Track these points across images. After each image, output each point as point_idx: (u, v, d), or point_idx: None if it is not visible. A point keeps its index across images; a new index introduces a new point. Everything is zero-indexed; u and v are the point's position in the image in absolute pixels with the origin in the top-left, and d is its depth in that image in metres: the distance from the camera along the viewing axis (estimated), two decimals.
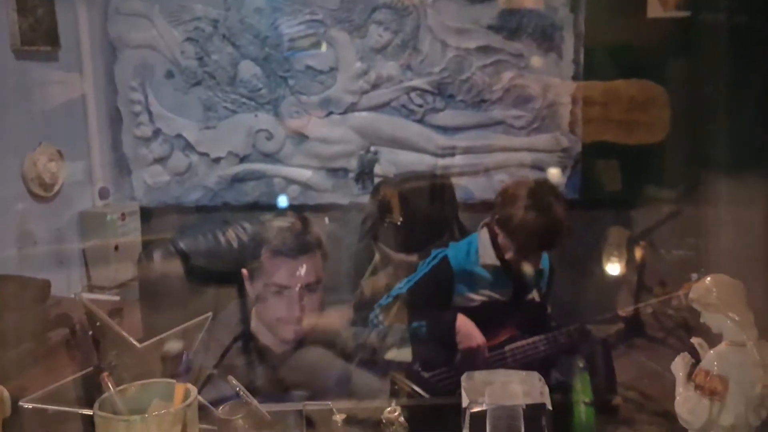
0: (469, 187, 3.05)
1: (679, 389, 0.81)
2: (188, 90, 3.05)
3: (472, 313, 1.92)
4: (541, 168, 3.09)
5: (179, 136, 3.07)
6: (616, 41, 2.98)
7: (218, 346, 1.57)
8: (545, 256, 2.11)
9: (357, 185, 3.08)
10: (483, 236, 2.00)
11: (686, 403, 0.80)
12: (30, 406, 0.92)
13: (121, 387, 0.87)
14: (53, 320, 2.29)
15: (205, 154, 3.09)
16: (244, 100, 3.05)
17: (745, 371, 0.79)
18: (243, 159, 3.09)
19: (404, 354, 1.96)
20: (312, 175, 3.09)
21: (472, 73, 3.03)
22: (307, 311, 1.50)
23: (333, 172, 3.10)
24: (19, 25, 2.64)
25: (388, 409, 0.98)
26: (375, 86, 3.04)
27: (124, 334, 0.94)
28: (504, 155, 3.10)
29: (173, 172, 3.11)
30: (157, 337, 0.92)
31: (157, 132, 3.08)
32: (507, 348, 1.90)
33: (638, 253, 2.86)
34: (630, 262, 2.85)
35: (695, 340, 0.83)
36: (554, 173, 3.09)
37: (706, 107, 2.72)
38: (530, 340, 1.90)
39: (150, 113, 3.07)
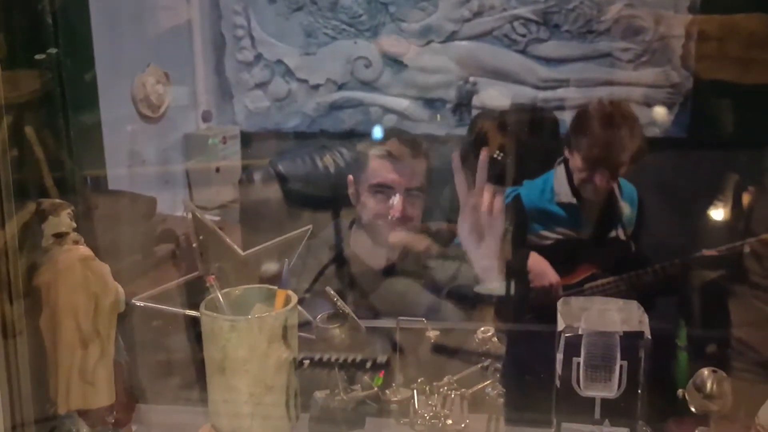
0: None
1: None
2: (290, 15, 3.06)
3: (548, 251, 1.90)
4: (648, 104, 2.96)
5: (280, 61, 3.11)
6: None
7: (314, 268, 1.63)
8: (632, 192, 2.06)
9: (454, 116, 3.05)
10: (559, 173, 1.96)
11: None
12: (141, 304, 0.97)
13: (225, 290, 0.91)
14: (159, 236, 2.40)
15: (304, 81, 3.11)
16: (344, 26, 3.04)
17: None
18: (341, 86, 3.10)
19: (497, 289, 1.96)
20: (409, 104, 3.07)
21: (579, 2, 2.91)
22: (409, 215, 1.55)
23: (430, 102, 3.07)
24: None
25: (482, 329, 0.99)
26: (477, 14, 2.97)
27: (229, 241, 0.97)
28: (609, 89, 2.98)
29: (273, 98, 3.16)
30: (260, 246, 0.95)
31: (258, 57, 3.12)
32: (586, 286, 1.88)
33: (746, 199, 2.73)
34: (737, 207, 2.73)
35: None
36: (660, 111, 2.97)
37: None
38: (611, 278, 1.87)
39: (252, 38, 3.11)
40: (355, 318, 0.95)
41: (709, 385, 0.82)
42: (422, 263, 1.66)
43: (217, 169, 3.06)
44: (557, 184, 1.96)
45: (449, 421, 0.97)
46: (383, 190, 1.56)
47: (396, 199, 1.56)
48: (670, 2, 2.86)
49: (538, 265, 1.91)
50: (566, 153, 1.97)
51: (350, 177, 1.67)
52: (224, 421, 0.86)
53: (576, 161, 1.93)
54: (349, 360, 1.06)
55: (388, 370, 1.04)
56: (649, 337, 0.91)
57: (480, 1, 2.95)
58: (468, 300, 1.72)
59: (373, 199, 1.58)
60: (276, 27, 3.08)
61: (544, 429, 0.98)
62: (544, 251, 1.96)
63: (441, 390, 0.98)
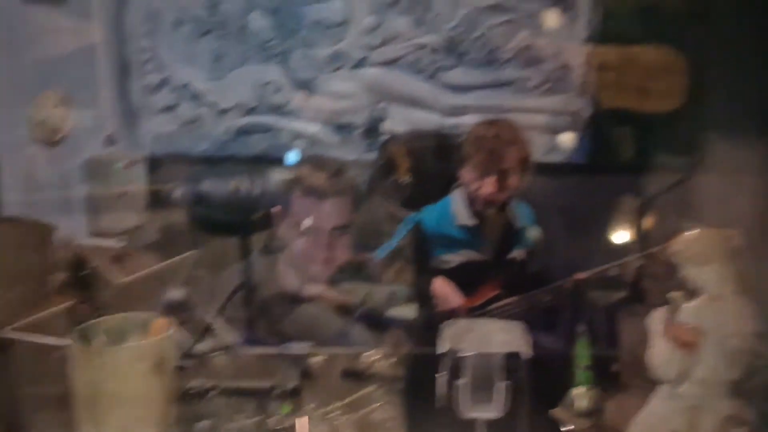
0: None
1: (655, 341, 0.81)
2: (198, 39, 3.03)
3: (452, 275, 1.92)
4: (550, 130, 3.05)
5: (187, 85, 3.06)
6: (633, 3, 2.92)
7: (223, 294, 1.60)
8: (529, 213, 2.12)
9: (364, 142, 3.06)
10: (457, 196, 2.00)
11: (659, 354, 0.80)
12: (15, 336, 0.93)
13: (99, 319, 0.88)
14: (55, 264, 2.31)
15: (213, 105, 3.07)
16: (253, 51, 3.03)
17: (722, 325, 0.78)
18: (250, 111, 3.08)
19: (407, 311, 1.97)
20: (319, 129, 3.07)
21: (484, 32, 2.98)
22: (335, 254, 1.54)
23: (340, 127, 3.08)
24: None
25: (368, 353, 0.99)
26: (386, 41, 3.00)
27: (103, 270, 0.94)
28: (514, 116, 3.05)
29: (180, 122, 3.11)
30: (137, 274, 0.92)
31: (165, 81, 3.07)
32: (490, 308, 1.91)
33: (644, 221, 2.84)
34: (633, 228, 2.83)
35: (673, 294, 0.82)
36: (562, 137, 3.06)
37: (721, 76, 2.67)
38: (513, 299, 1.90)
39: (158, 62, 3.06)
40: (236, 345, 0.93)
41: (582, 402, 0.83)
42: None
43: (121, 195, 2.98)
44: (456, 207, 1.99)
45: None
46: (305, 229, 1.55)
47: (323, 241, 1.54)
48: (569, 33, 2.96)
49: (441, 288, 1.93)
50: (460, 174, 2.02)
51: (277, 208, 1.65)
52: None
53: (466, 176, 1.98)
54: (252, 388, 1.04)
55: (296, 397, 1.03)
56: (530, 356, 0.93)
57: (388, 29, 2.98)
58: (379, 324, 1.72)
59: (294, 237, 1.56)
60: (183, 51, 3.04)
61: None
62: (448, 275, 1.98)
63: (329, 415, 0.97)
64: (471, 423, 0.94)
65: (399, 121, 3.05)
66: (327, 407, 0.98)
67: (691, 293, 0.80)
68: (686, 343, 0.78)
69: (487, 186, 1.93)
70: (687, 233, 0.82)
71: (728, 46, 2.62)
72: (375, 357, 0.97)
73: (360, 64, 3.02)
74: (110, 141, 3.05)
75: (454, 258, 2.00)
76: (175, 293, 1.16)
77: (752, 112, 2.35)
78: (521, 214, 2.14)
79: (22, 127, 2.64)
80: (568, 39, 2.98)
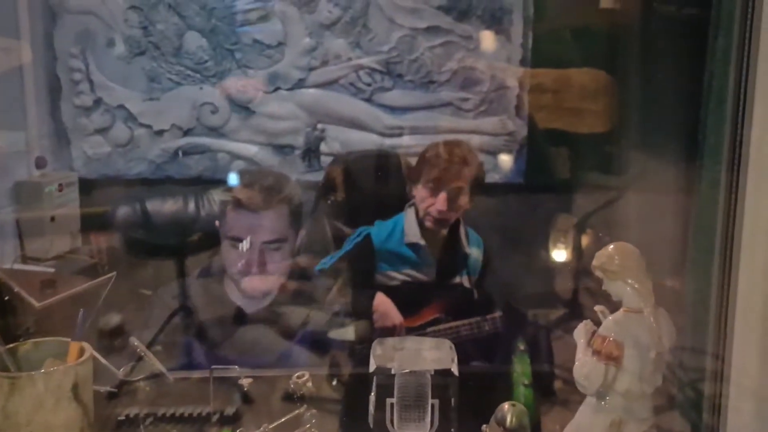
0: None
1: (579, 355, 0.82)
2: (131, 60, 2.99)
3: (394, 292, 1.93)
4: (487, 151, 3.10)
5: (121, 106, 3.01)
6: (565, 27, 3.00)
7: (160, 319, 1.56)
8: (478, 241, 2.14)
9: (303, 162, 3.06)
10: (409, 215, 2.02)
11: (583, 367, 0.81)
12: None
13: (11, 345, 0.84)
14: None
15: (148, 126, 3.03)
16: (189, 72, 3.00)
17: (641, 337, 0.80)
18: (187, 132, 3.04)
19: (348, 333, 1.96)
20: (258, 150, 3.06)
21: (420, 54, 3.02)
22: (270, 269, 1.51)
23: (279, 148, 3.07)
24: None
25: (297, 374, 0.97)
26: (323, 63, 3.02)
27: (23, 293, 0.91)
28: (451, 136, 3.09)
29: (115, 144, 3.05)
30: (54, 298, 0.89)
31: (98, 102, 3.01)
32: (428, 330, 1.91)
33: (580, 239, 2.90)
34: (573, 248, 2.88)
35: (598, 308, 0.83)
36: (499, 158, 3.11)
37: (652, 98, 2.75)
38: (453, 324, 1.91)
39: (91, 82, 3.00)
40: (162, 368, 0.91)
41: (509, 418, 0.84)
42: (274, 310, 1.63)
43: (53, 218, 2.89)
44: (407, 225, 2.01)
45: None
46: (239, 243, 1.52)
47: (254, 255, 1.52)
48: (503, 55, 3.02)
49: (383, 305, 1.93)
50: (410, 192, 2.04)
51: (217, 223, 1.63)
52: None
53: (418, 194, 2.00)
54: (194, 413, 1.02)
55: (236, 422, 1.00)
56: (457, 374, 0.93)
57: (326, 51, 3.00)
58: (320, 345, 1.70)
59: (232, 253, 1.54)
60: (117, 71, 2.99)
61: None
62: (389, 292, 1.98)
63: None
64: None
65: (337, 142, 3.06)
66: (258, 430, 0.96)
67: (614, 307, 0.82)
68: (608, 356, 0.79)
69: (440, 203, 1.96)
70: (604, 248, 0.83)
71: (656, 67, 2.71)
72: (304, 378, 0.96)
73: (298, 85, 3.02)
74: (40, 163, 2.96)
75: (398, 275, 2.00)
76: (112, 319, 1.13)
77: (678, 134, 2.43)
78: (471, 240, 2.16)
79: None
80: (503, 61, 3.04)
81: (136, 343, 0.93)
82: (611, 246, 0.84)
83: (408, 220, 2.05)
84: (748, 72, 0.75)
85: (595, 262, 0.83)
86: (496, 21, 3.01)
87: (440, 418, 0.94)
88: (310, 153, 3.08)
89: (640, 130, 2.79)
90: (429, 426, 0.94)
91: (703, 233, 0.87)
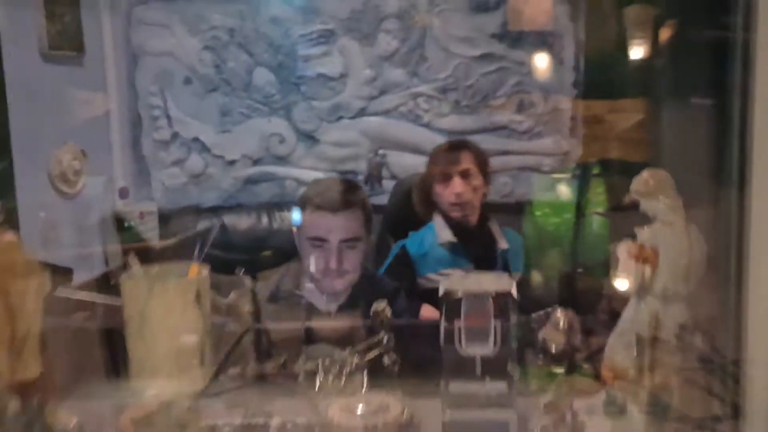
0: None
1: (621, 264, 0.98)
2: (205, 96, 3.27)
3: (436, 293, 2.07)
4: (541, 170, 3.26)
5: (196, 139, 3.29)
6: (615, 51, 3.15)
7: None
8: (517, 240, 2.30)
9: (366, 186, 3.26)
10: (437, 219, 2.20)
11: (624, 271, 0.96)
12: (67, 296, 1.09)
13: (145, 267, 1.05)
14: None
15: (220, 157, 3.29)
16: (258, 105, 3.26)
17: (673, 245, 0.95)
18: (256, 162, 3.29)
19: None
20: (322, 177, 3.26)
21: (475, 80, 3.23)
22: (346, 266, 1.68)
23: (343, 174, 3.28)
24: (47, 31, 2.86)
25: (378, 304, 1.14)
26: (383, 92, 3.25)
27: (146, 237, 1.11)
28: (507, 158, 3.27)
29: (190, 175, 3.31)
30: (172, 239, 1.09)
31: (175, 135, 3.29)
32: None
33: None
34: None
35: (637, 228, 0.99)
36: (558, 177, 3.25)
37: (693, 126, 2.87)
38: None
39: (169, 118, 3.29)
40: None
41: (562, 322, 0.99)
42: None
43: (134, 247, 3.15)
44: (438, 227, 2.19)
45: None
46: (319, 243, 1.69)
47: (332, 253, 1.67)
48: (556, 78, 3.20)
49: (428, 314, 2.04)
50: (433, 193, 2.23)
51: (294, 229, 1.80)
52: (145, 379, 0.98)
53: (437, 190, 2.19)
54: None
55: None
56: (516, 296, 1.09)
57: (385, 80, 3.23)
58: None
59: (310, 251, 1.70)
60: (192, 107, 3.28)
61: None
62: (433, 294, 2.12)
63: (342, 361, 1.12)
64: (471, 360, 1.09)
65: (399, 166, 3.26)
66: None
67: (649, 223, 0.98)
68: (645, 260, 0.94)
69: (455, 186, 2.16)
70: (640, 175, 0.99)
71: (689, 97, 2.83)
72: (383, 306, 1.13)
73: (360, 113, 3.25)
74: (123, 193, 3.25)
75: (438, 277, 2.16)
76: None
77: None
78: (508, 237, 2.33)
79: (41, 178, 2.82)
80: (555, 83, 3.22)
81: (238, 271, 1.12)
82: (645, 172, 1.00)
83: (437, 222, 2.25)
84: None
85: (632, 187, 0.99)
86: (547, 46, 3.20)
87: (502, 338, 1.10)
88: (373, 178, 3.28)
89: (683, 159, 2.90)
90: (492, 345, 1.10)
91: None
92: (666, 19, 3.02)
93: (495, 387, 1.10)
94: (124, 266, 1.06)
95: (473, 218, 2.30)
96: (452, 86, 3.24)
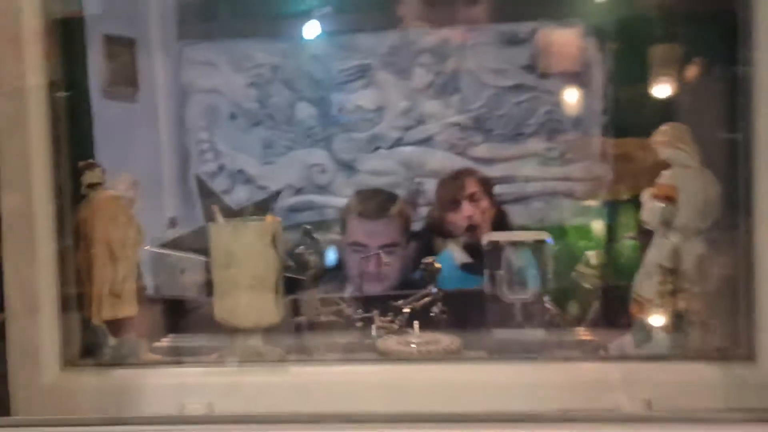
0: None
1: (646, 203, 1.13)
2: (250, 129, 3.49)
3: None
4: (577, 196, 3.40)
5: (241, 171, 3.49)
6: (642, 81, 3.33)
7: None
8: (529, 258, 2.45)
9: None
10: (452, 243, 2.36)
11: (648, 208, 1.11)
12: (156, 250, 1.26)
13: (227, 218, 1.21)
14: None
15: (264, 188, 3.48)
16: (299, 137, 3.47)
17: (691, 185, 1.10)
18: (299, 191, 3.48)
19: None
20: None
21: (507, 109, 3.41)
22: (385, 271, 1.84)
23: None
24: (106, 69, 3.11)
25: (427, 258, 1.29)
26: (419, 122, 3.43)
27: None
28: (540, 184, 3.42)
29: (235, 204, 3.49)
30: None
31: (221, 167, 3.50)
32: None
33: None
34: None
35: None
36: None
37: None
38: None
39: (215, 151, 3.50)
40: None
41: (593, 259, 1.14)
42: None
43: (182, 271, 3.33)
44: (453, 252, 2.36)
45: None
46: (359, 248, 1.85)
47: (371, 257, 1.83)
48: (586, 105, 3.37)
49: None
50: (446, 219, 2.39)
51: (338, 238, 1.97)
52: (227, 306, 1.14)
53: (449, 218, 2.35)
54: None
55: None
56: (551, 242, 1.24)
57: (420, 111, 3.42)
58: None
59: (351, 256, 1.87)
60: (237, 140, 3.49)
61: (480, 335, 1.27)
62: None
63: (395, 309, 1.27)
64: (511, 306, 1.23)
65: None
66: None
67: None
68: (667, 197, 1.09)
69: (465, 210, 2.31)
70: (660, 127, 1.15)
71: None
72: (431, 260, 1.28)
73: (396, 143, 3.44)
74: (173, 223, 3.45)
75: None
76: None
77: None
78: (523, 256, 2.47)
79: None
80: (585, 111, 3.39)
81: (307, 227, 1.28)
82: (665, 125, 1.16)
83: (453, 247, 2.41)
84: None
85: (653, 138, 1.15)
86: (576, 76, 3.38)
87: (540, 284, 1.24)
88: (410, 204, 3.45)
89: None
90: (531, 291, 1.24)
91: None
92: (692, 57, 3.20)
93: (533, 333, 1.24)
94: (210, 218, 1.23)
95: (521, 250, 2.44)
96: (485, 116, 3.41)
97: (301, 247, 1.26)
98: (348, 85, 3.46)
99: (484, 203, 2.45)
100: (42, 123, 1.20)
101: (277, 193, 1.20)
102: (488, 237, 1.24)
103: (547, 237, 1.22)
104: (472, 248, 2.38)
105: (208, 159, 3.51)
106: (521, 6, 3.38)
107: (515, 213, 3.36)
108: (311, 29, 3.48)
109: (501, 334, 1.24)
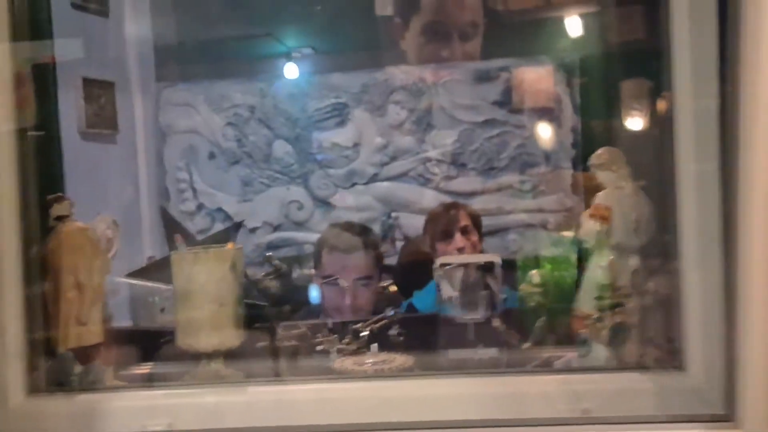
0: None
1: (583, 226, 1.21)
2: (228, 168, 3.57)
3: None
4: (550, 227, 3.48)
5: (220, 209, 3.56)
6: (609, 113, 3.44)
7: None
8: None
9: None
10: (438, 273, 2.42)
11: (585, 227, 1.19)
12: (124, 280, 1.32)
13: (188, 248, 1.28)
14: None
15: (243, 225, 3.55)
16: (277, 175, 3.55)
17: (624, 205, 1.18)
18: (276, 228, 3.54)
19: None
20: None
21: (480, 144, 3.50)
22: (359, 303, 1.89)
23: None
24: (85, 111, 3.19)
25: (385, 283, 1.36)
26: (394, 158, 3.52)
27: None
28: (513, 216, 3.51)
29: (214, 241, 3.55)
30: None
31: (200, 206, 3.57)
32: None
33: None
34: None
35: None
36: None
37: None
38: None
39: (194, 190, 3.57)
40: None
41: (536, 277, 1.21)
42: None
43: (162, 309, 3.37)
44: (440, 284, 2.41)
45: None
46: (334, 281, 1.91)
47: (345, 290, 1.89)
48: (556, 139, 3.47)
49: None
50: (436, 250, 2.47)
51: (312, 270, 2.03)
52: (189, 336, 1.20)
53: (439, 249, 2.42)
54: None
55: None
56: (500, 263, 1.31)
57: (395, 147, 3.51)
58: None
59: (326, 289, 1.92)
60: (215, 179, 3.57)
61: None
62: None
63: (354, 332, 1.33)
64: (464, 326, 1.30)
65: (411, 228, 3.50)
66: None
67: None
68: (602, 216, 1.17)
69: (457, 242, 2.39)
70: (596, 152, 1.23)
71: None
72: (389, 283, 1.34)
73: (372, 179, 3.53)
74: (151, 262, 3.50)
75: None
76: None
77: None
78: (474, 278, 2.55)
79: None
80: (556, 145, 3.49)
81: (269, 255, 1.35)
82: (601, 149, 1.24)
83: (439, 279, 2.47)
84: None
85: (590, 162, 1.23)
86: (546, 111, 3.49)
87: (490, 306, 1.31)
88: (385, 239, 3.52)
89: None
90: (482, 312, 1.31)
91: None
92: (662, 92, 3.31)
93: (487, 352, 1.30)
94: (171, 248, 1.29)
95: (473, 273, 2.51)
96: (459, 150, 3.51)
97: (261, 274, 1.32)
98: (324, 123, 3.55)
99: (474, 237, 2.51)
100: (11, 162, 1.26)
101: (239, 224, 1.25)
102: (440, 260, 1.30)
103: (497, 259, 1.29)
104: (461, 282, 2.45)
105: (187, 198, 3.58)
106: (492, 44, 3.50)
107: (492, 245, 3.44)
108: (287, 70, 3.58)
109: (455, 353, 1.30)
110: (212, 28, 3.53)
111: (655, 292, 1.15)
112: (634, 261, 1.18)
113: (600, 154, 1.22)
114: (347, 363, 1.25)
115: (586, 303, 1.20)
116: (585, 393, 1.06)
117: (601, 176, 1.21)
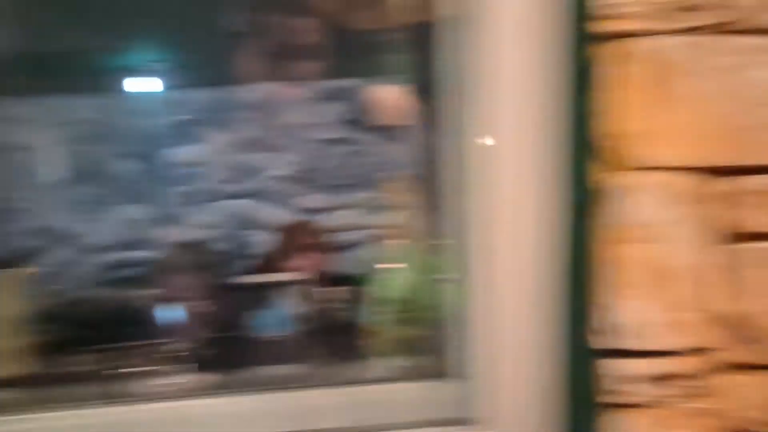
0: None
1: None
2: (70, 187, 3.46)
3: None
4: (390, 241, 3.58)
5: (60, 229, 3.44)
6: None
7: None
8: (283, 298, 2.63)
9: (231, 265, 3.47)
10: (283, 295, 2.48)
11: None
12: None
13: None
14: None
15: (88, 245, 3.45)
16: (122, 193, 3.48)
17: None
18: (122, 247, 3.47)
19: None
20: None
21: (331, 161, 3.57)
22: (194, 323, 1.89)
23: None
24: None
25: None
26: (244, 176, 3.53)
27: None
28: (367, 231, 3.58)
29: (56, 264, 3.44)
30: None
31: (40, 227, 3.44)
32: None
33: None
34: None
35: None
36: None
37: None
38: None
39: (32, 210, 3.45)
40: None
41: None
42: None
43: None
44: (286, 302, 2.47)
45: None
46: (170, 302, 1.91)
47: None
48: (401, 159, 3.58)
49: None
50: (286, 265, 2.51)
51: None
52: None
53: (290, 264, 2.48)
54: None
55: None
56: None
57: (245, 166, 3.52)
58: None
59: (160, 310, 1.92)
60: (56, 198, 3.44)
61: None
62: None
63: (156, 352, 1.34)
64: (270, 343, 1.33)
65: (262, 245, 3.51)
66: None
67: None
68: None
69: (309, 257, 2.44)
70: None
71: None
72: None
73: (222, 197, 3.52)
74: None
75: None
76: None
77: None
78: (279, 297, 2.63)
79: None
80: (402, 163, 3.60)
81: None
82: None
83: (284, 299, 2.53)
84: None
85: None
86: (396, 129, 3.60)
87: (292, 322, 1.35)
88: (234, 257, 3.51)
89: None
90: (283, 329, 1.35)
91: None
92: None
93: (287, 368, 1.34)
94: None
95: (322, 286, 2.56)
96: (309, 167, 3.56)
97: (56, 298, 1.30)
98: (173, 139, 3.52)
99: (318, 254, 2.55)
100: None
101: (30, 248, 1.23)
102: (246, 279, 1.33)
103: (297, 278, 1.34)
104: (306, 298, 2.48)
105: (25, 218, 3.45)
106: (343, 63, 3.58)
107: (344, 260, 3.50)
108: (134, 85, 3.52)
109: (259, 370, 1.33)
110: (53, 41, 3.42)
111: (436, 306, 1.22)
112: (417, 278, 1.25)
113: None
114: (151, 384, 1.25)
115: (371, 317, 1.26)
116: (367, 403, 1.12)
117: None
